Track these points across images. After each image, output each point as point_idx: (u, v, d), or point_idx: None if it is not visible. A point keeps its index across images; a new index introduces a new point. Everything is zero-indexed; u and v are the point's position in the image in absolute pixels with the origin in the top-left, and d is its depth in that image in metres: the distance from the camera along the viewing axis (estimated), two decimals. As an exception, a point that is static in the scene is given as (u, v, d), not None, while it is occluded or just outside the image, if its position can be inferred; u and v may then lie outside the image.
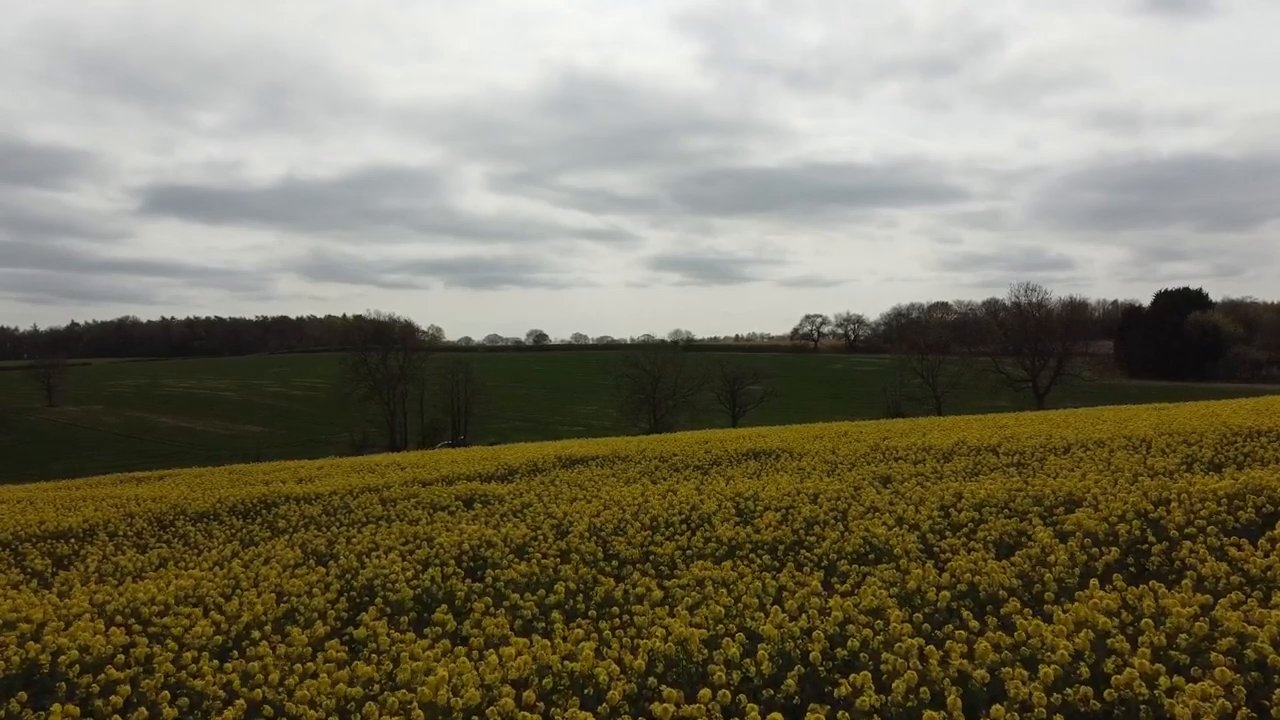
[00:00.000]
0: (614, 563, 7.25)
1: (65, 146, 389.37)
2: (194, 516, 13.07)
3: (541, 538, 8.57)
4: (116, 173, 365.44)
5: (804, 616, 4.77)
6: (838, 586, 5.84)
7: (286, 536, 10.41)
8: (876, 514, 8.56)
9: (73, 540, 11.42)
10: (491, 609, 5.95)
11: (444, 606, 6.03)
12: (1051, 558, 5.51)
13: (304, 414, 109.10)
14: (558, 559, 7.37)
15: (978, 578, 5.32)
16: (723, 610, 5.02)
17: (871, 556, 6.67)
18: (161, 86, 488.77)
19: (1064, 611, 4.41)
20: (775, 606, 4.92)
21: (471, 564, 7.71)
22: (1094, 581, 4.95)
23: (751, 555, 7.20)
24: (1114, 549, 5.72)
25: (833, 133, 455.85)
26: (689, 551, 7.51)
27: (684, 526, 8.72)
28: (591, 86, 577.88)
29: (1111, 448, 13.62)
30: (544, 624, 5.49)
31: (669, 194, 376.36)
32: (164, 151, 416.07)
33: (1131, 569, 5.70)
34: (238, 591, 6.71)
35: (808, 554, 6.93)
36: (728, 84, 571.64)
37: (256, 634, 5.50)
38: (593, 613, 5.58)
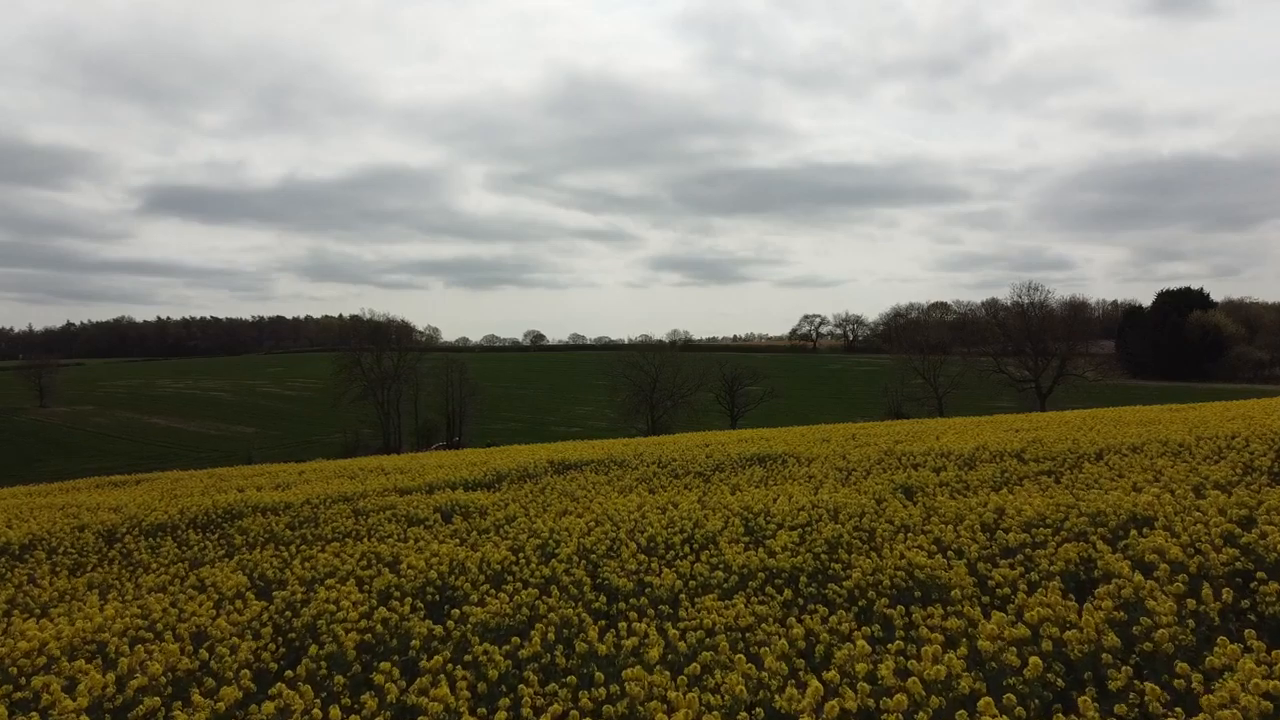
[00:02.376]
0: (603, 598, 6.10)
1: (67, 146, 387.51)
2: (148, 530, 11.91)
3: (523, 561, 7.43)
4: (118, 173, 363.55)
5: (850, 691, 3.63)
6: (879, 635, 4.71)
7: (241, 555, 9.24)
8: (909, 534, 7.42)
9: (6, 558, 10.26)
10: (451, 663, 4.82)
11: (394, 659, 4.89)
12: (1152, 604, 4.37)
13: (298, 415, 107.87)
14: (538, 592, 6.22)
15: (1068, 633, 4.17)
16: (740, 681, 3.85)
17: (917, 594, 5.53)
18: (164, 87, 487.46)
19: (1209, 692, 3.28)
20: (814, 681, 3.75)
21: (437, 596, 6.56)
22: (1222, 640, 3.82)
23: (768, 588, 6.06)
24: (1227, 590, 4.58)
25: (835, 133, 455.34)
26: (692, 582, 6.36)
27: (686, 548, 7.58)
28: (594, 87, 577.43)
29: (1150, 454, 12.50)
30: (512, 695, 4.34)
31: (670, 194, 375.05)
32: (166, 151, 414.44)
33: (1250, 616, 4.56)
34: (149, 635, 5.56)
35: (836, 589, 5.79)
36: (730, 85, 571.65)
37: (149, 701, 4.37)
38: (573, 679, 4.42)
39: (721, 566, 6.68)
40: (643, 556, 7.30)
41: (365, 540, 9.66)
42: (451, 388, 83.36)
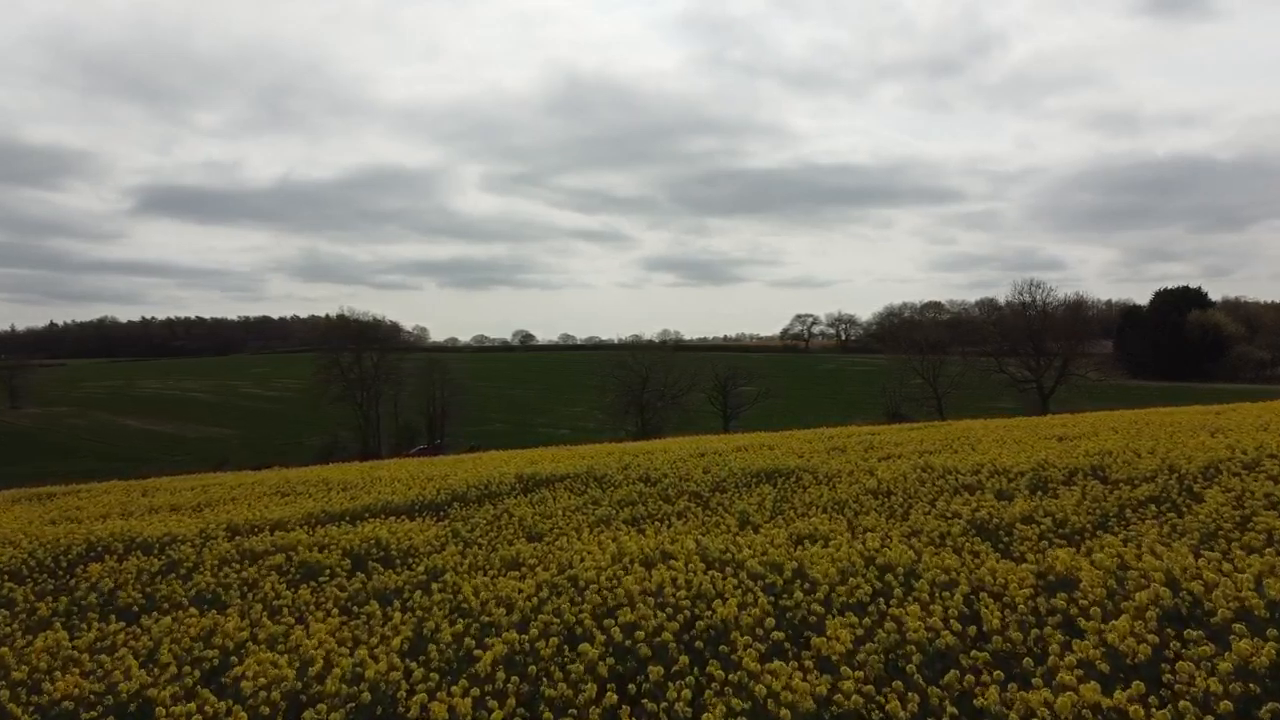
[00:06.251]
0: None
1: (64, 146, 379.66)
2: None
3: (418, 676, 4.55)
4: (113, 173, 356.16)
5: None
6: None
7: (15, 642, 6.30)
8: (1040, 626, 4.57)
9: None
10: None
11: None
12: None
13: (281, 416, 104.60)
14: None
15: None
16: None
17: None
18: (163, 87, 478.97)
19: None
20: None
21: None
22: None
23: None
24: None
25: (833, 134, 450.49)
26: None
27: (683, 650, 4.71)
28: (594, 87, 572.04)
29: (1271, 472, 9.70)
30: None
31: (667, 195, 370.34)
32: (163, 151, 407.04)
33: None
34: None
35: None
36: (730, 85, 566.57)
37: None
38: None
39: (748, 707, 3.81)
40: (613, 666, 4.43)
41: (222, 611, 6.75)
42: (434, 389, 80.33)
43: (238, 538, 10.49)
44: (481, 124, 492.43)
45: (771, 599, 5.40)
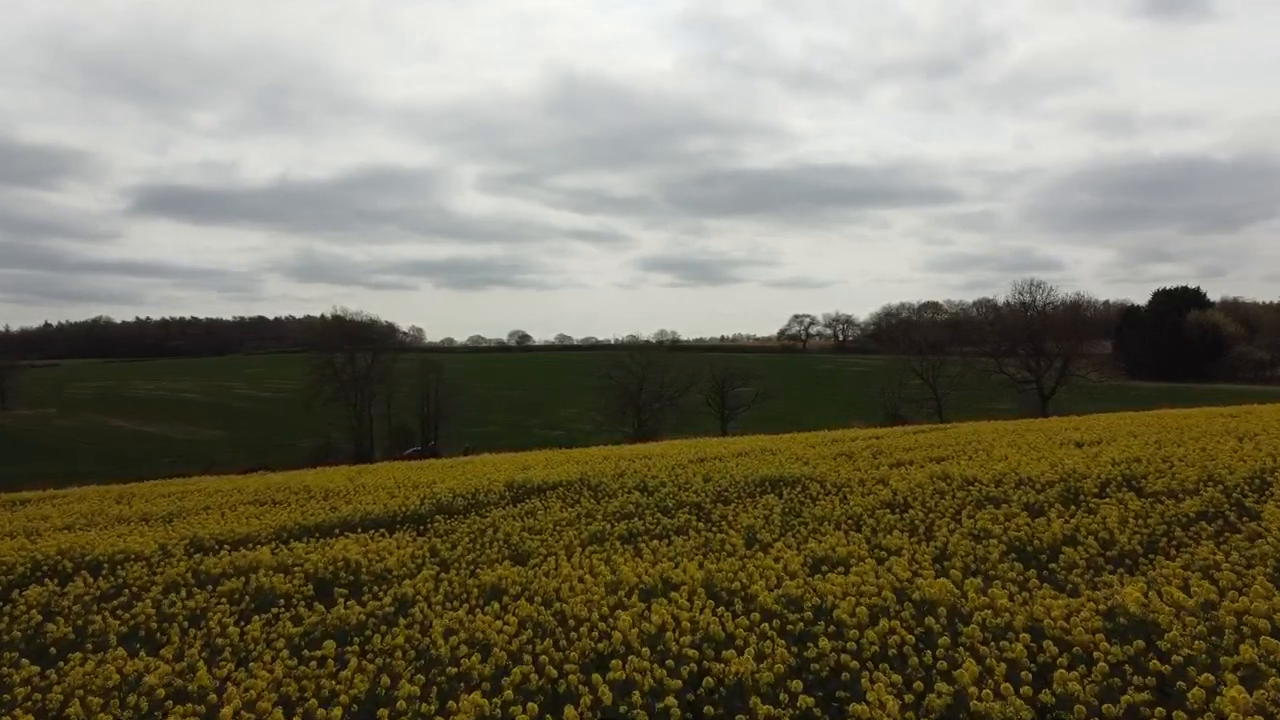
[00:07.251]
0: None
1: (61, 146, 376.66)
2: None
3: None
4: (111, 173, 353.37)
5: None
6: None
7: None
8: (1124, 685, 3.72)
9: None
10: None
11: None
12: None
13: (273, 417, 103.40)
14: None
15: None
16: None
17: None
18: (162, 87, 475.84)
19: None
20: None
21: None
22: None
23: None
24: None
25: (831, 134, 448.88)
26: None
27: (687, 715, 3.85)
28: (592, 87, 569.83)
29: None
30: None
31: (665, 195, 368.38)
32: (160, 152, 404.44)
33: None
34: None
35: None
36: (729, 85, 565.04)
37: None
38: None
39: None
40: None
41: (156, 652, 5.88)
42: (429, 390, 79.32)
43: (198, 555, 9.62)
44: (480, 124, 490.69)
45: (792, 647, 4.55)
